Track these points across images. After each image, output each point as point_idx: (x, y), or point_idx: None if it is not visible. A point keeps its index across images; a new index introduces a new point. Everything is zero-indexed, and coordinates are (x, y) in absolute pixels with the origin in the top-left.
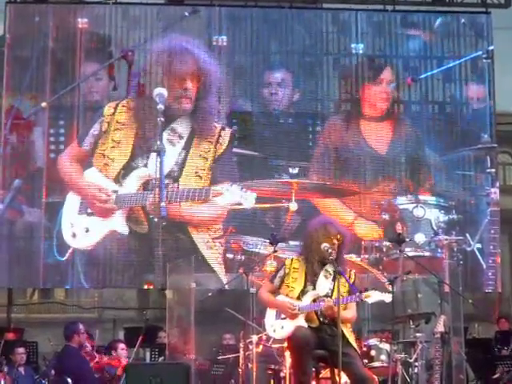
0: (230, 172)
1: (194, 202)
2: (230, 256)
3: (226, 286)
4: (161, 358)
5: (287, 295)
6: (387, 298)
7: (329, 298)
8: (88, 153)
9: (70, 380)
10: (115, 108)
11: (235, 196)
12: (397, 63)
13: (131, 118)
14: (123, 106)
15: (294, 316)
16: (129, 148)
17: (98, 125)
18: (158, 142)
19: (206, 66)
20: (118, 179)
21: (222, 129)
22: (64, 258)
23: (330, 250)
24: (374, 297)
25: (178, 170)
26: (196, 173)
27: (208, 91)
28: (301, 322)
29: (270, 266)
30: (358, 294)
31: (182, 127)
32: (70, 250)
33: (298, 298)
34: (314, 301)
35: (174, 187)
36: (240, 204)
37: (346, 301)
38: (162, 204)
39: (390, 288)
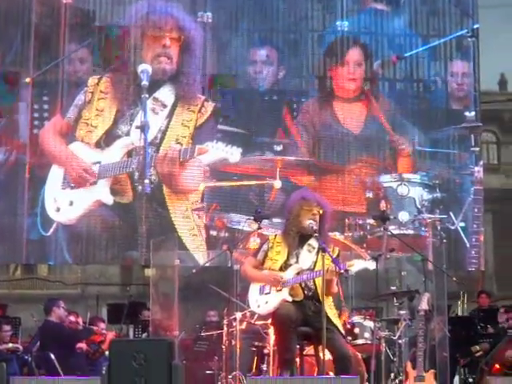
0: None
1: (179, 162)
2: (213, 233)
3: (208, 264)
4: (144, 335)
5: (270, 268)
6: (370, 265)
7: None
8: (71, 124)
9: (52, 355)
10: (99, 79)
11: (220, 152)
12: (382, 41)
13: (114, 89)
14: (107, 77)
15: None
16: (112, 115)
17: (82, 95)
18: (143, 118)
19: (187, 27)
20: (100, 144)
21: (206, 100)
22: (48, 234)
23: (314, 227)
24: (357, 265)
25: (160, 138)
26: (177, 139)
27: (191, 55)
28: (285, 295)
29: (254, 243)
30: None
31: (166, 95)
32: (54, 225)
33: (281, 270)
34: (298, 274)
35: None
36: (226, 159)
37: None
38: (146, 181)
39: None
